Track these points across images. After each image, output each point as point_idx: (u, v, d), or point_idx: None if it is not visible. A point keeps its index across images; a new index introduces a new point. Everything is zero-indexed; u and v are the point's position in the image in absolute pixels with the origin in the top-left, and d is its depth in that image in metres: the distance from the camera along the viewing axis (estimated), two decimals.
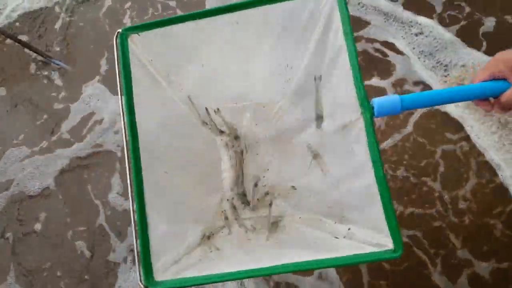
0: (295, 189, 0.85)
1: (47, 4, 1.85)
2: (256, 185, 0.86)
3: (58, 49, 1.75)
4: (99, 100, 1.62)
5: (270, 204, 0.84)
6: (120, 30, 0.74)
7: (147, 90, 0.75)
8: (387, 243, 0.59)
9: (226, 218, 0.84)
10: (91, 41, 1.74)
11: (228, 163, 0.88)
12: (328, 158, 0.77)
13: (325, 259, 0.60)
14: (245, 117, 0.88)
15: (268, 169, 0.88)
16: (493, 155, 1.16)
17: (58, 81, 1.72)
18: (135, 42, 0.74)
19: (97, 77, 1.67)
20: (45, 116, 1.67)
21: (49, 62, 1.70)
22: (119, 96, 0.73)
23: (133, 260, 1.34)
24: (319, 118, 0.80)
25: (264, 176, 0.88)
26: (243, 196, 0.86)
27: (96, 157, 1.53)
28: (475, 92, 0.60)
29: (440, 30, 1.35)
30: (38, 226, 1.48)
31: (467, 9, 1.35)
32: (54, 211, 1.48)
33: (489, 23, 1.32)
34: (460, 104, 1.25)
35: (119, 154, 1.51)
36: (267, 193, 0.86)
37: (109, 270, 1.36)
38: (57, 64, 1.70)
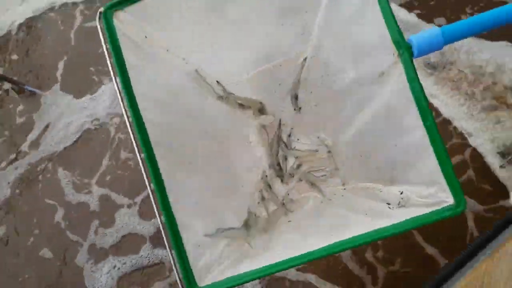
0: (331, 154, 0.77)
1: (10, 27, 1.74)
2: (286, 158, 0.78)
3: (21, 69, 1.64)
4: (57, 107, 1.54)
5: (305, 177, 0.76)
6: (101, 10, 0.62)
7: (145, 72, 0.64)
8: (447, 199, 0.53)
9: (263, 198, 0.75)
10: (46, 46, 1.61)
11: (256, 138, 0.78)
12: (366, 114, 0.66)
13: (383, 228, 0.54)
14: (262, 86, 0.77)
15: (298, 139, 0.80)
16: (464, 126, 1.15)
17: (13, 93, 1.63)
18: (122, 20, 0.63)
19: (56, 85, 1.56)
20: (6, 133, 1.59)
21: (22, 89, 1.60)
22: (115, 84, 0.62)
23: (95, 261, 1.30)
24: (296, 97, 0.75)
25: (294, 147, 0.79)
26: (278, 170, 0.78)
27: (48, 159, 1.49)
28: None
29: (402, 12, 1.30)
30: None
31: (416, 11, 1.30)
32: (14, 222, 1.44)
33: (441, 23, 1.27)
34: (428, 82, 1.20)
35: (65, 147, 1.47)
36: (300, 165, 0.78)
37: (76, 274, 1.31)
38: (31, 90, 1.59)
